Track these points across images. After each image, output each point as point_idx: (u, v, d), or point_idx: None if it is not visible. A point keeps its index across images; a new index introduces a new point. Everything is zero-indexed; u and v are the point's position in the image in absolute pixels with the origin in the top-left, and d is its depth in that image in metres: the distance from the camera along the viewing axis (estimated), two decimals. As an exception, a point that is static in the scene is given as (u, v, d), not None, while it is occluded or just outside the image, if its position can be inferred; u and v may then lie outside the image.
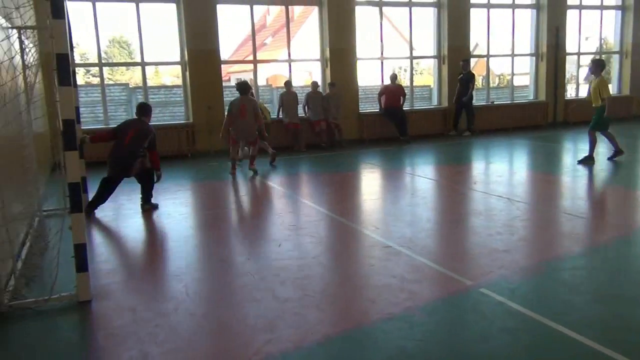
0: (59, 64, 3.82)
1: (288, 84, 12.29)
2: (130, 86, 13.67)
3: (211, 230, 6.23)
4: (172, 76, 27.60)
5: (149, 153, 6.91)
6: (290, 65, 13.10)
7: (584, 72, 16.33)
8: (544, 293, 4.02)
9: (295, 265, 4.72)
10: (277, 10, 27.88)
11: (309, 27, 20.51)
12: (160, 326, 3.59)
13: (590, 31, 18.86)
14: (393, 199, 7.62)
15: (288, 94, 12.16)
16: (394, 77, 13.30)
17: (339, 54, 12.93)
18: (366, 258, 4.97)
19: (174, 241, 5.72)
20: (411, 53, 14.58)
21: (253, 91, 11.00)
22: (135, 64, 16.24)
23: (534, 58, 15.70)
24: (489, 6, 14.77)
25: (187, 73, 11.79)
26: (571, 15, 15.78)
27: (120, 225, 6.51)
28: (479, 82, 17.98)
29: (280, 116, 12.27)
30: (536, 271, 4.42)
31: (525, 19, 15.72)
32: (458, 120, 13.96)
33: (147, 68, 12.03)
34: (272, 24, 30.09)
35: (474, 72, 14.19)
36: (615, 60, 17.22)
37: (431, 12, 14.31)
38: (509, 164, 10.35)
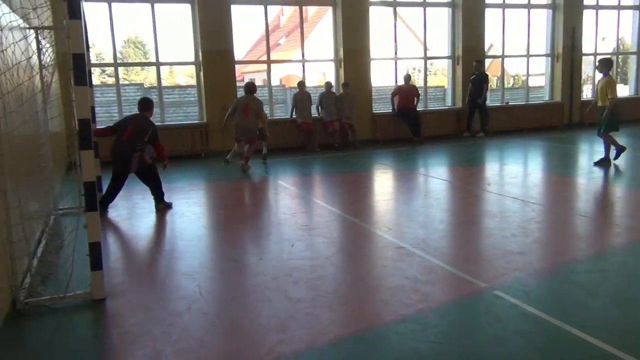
0: (75, 64, 3.85)
1: (301, 84, 12.30)
2: (145, 86, 13.79)
3: (224, 229, 6.25)
4: (186, 76, 27.72)
5: (153, 146, 6.86)
6: (303, 66, 13.10)
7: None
8: (559, 296, 3.98)
9: (308, 265, 4.71)
10: (291, 10, 27.94)
11: (322, 27, 20.52)
12: (173, 325, 3.61)
13: (607, 31, 18.64)
14: (406, 200, 7.59)
15: (301, 94, 12.17)
16: (407, 78, 13.25)
17: (352, 54, 12.91)
18: (379, 259, 4.96)
19: (187, 240, 5.74)
20: (425, 53, 14.51)
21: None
22: (150, 64, 16.36)
23: (549, 59, 15.55)
24: (504, 6, 14.65)
25: (202, 73, 11.84)
26: (588, 16, 15.61)
27: (134, 224, 6.55)
28: (493, 82, 17.84)
29: (294, 116, 12.28)
30: (551, 274, 4.38)
31: (541, 19, 15.58)
32: (471, 121, 13.87)
33: (161, 68, 12.11)
34: (286, 24, 30.13)
35: (487, 73, 14.09)
36: (632, 61, 17.00)
37: (445, 12, 14.24)
38: (524, 166, 10.26)
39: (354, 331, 3.47)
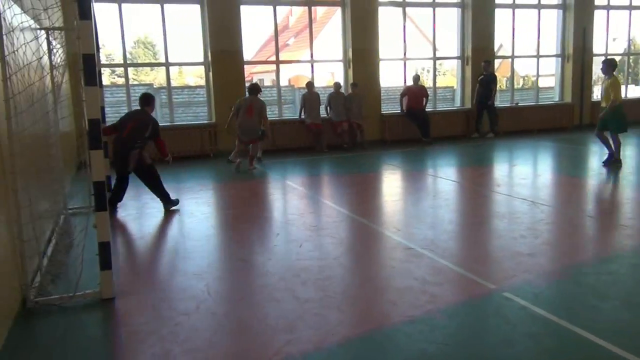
0: (85, 65, 3.87)
1: (310, 84, 12.31)
2: (155, 86, 13.85)
3: (232, 229, 6.27)
4: (195, 76, 27.86)
5: (154, 141, 6.83)
6: (312, 66, 13.10)
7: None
8: (569, 298, 3.95)
9: (316, 266, 4.71)
10: (300, 10, 27.95)
11: (331, 27, 20.51)
12: (181, 325, 3.62)
13: (618, 32, 18.49)
14: (415, 201, 7.57)
15: (310, 95, 12.18)
16: (416, 78, 13.22)
17: (361, 55, 12.89)
18: (387, 260, 4.95)
19: (195, 240, 5.76)
20: (434, 54, 14.47)
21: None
22: (159, 64, 16.45)
23: (559, 59, 15.45)
24: (514, 6, 14.57)
25: (211, 73, 11.88)
26: (599, 16, 15.49)
27: (143, 224, 6.58)
28: (502, 83, 17.77)
29: (302, 117, 12.28)
30: (561, 275, 4.35)
31: (551, 20, 15.49)
32: (480, 122, 13.81)
33: (171, 68, 12.15)
34: (295, 25, 30.18)
35: (496, 73, 14.02)
36: (644, 62, 16.88)
37: (455, 12, 14.19)
38: (533, 167, 10.20)
39: (362, 332, 3.47)
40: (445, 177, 9.05)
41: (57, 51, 6.29)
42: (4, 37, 3.82)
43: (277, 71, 12.96)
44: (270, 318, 3.69)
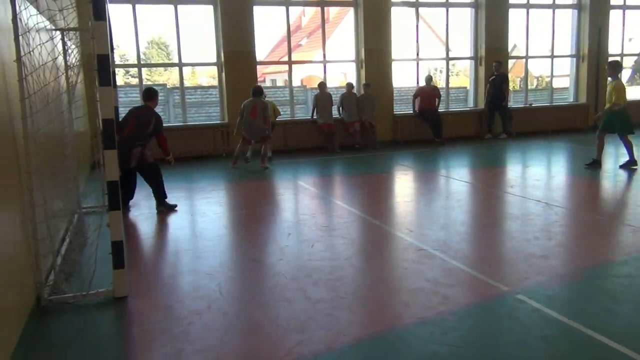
0: (99, 65, 3.91)
1: (322, 85, 12.30)
2: (168, 87, 13.89)
3: (244, 229, 6.29)
4: (208, 77, 27.98)
5: (156, 137, 6.80)
6: (325, 67, 13.11)
7: (626, 74, 15.87)
8: (584, 301, 3.91)
9: (328, 266, 4.71)
10: (312, 11, 28.00)
11: (344, 28, 20.51)
12: (193, 324, 3.64)
13: (634, 32, 18.28)
14: (427, 202, 7.54)
15: (322, 95, 12.17)
16: (429, 79, 13.17)
17: (374, 55, 12.87)
18: (399, 261, 4.93)
19: (207, 240, 5.79)
20: (447, 54, 14.41)
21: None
22: (172, 64, 16.55)
23: (574, 59, 15.32)
24: (528, 6, 14.47)
25: (223, 74, 11.92)
26: (614, 16, 15.33)
27: (155, 223, 6.61)
28: (516, 83, 17.63)
29: (315, 117, 12.29)
30: (575, 278, 4.30)
31: (566, 20, 15.35)
32: (492, 122, 13.72)
33: (184, 69, 12.21)
34: (308, 25, 30.22)
35: (507, 74, 13.90)
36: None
37: (468, 12, 14.11)
38: (547, 168, 10.12)
39: (374, 333, 3.46)
40: (457, 178, 9.00)
41: (72, 52, 6.36)
42: (20, 37, 3.87)
43: (290, 72, 12.98)
44: (282, 318, 3.70)
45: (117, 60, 18.90)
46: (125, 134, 6.62)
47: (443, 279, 4.30)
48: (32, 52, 4.11)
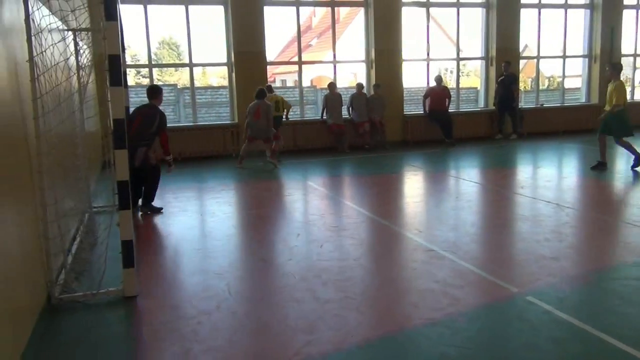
0: (111, 65, 3.93)
1: (332, 85, 12.29)
2: (179, 87, 13.97)
3: (253, 229, 6.30)
4: (218, 77, 28.06)
5: (159, 135, 6.79)
6: (335, 67, 13.10)
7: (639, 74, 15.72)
8: (595, 303, 3.88)
9: (337, 266, 4.71)
10: (323, 11, 27.99)
11: (354, 28, 20.49)
12: (202, 324, 3.65)
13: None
14: (436, 202, 7.51)
15: (332, 95, 12.17)
16: (439, 79, 13.12)
17: (384, 55, 12.84)
18: (408, 261, 4.92)
19: (217, 240, 5.80)
20: (458, 54, 14.34)
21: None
22: (183, 65, 16.61)
23: (586, 60, 15.19)
24: (540, 6, 14.37)
25: (234, 74, 11.94)
26: (627, 15, 15.18)
27: (165, 223, 6.64)
28: (527, 84, 17.52)
29: (324, 117, 12.29)
30: (586, 280, 4.27)
31: (578, 20, 15.22)
32: (502, 123, 13.64)
33: (194, 69, 12.26)
34: (318, 25, 30.21)
35: (517, 74, 13.81)
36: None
37: (479, 12, 14.04)
38: (558, 169, 10.04)
39: (383, 333, 3.45)
40: (467, 178, 8.96)
41: (84, 52, 6.40)
42: (33, 38, 3.91)
43: (300, 72, 12.99)
44: (290, 318, 3.70)
45: (129, 61, 18.99)
46: (131, 133, 6.63)
47: (452, 280, 4.28)
48: (44, 53, 4.15)
